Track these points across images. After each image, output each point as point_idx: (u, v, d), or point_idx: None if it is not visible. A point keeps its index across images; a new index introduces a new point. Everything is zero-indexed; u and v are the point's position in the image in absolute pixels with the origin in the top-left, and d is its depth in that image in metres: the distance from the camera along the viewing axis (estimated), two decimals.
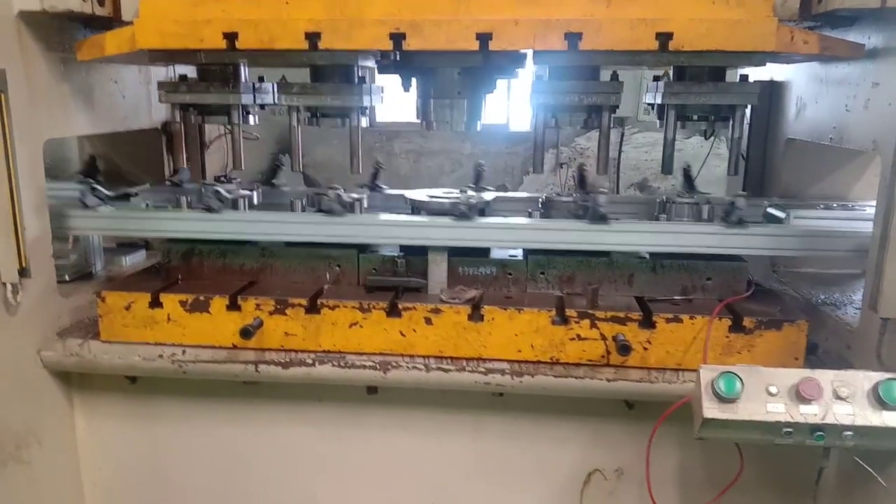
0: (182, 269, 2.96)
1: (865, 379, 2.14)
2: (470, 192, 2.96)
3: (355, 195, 2.88)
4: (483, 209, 2.95)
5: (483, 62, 2.74)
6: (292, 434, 2.90)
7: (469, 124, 2.95)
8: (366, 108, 2.92)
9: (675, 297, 2.71)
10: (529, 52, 2.72)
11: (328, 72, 2.89)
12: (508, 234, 2.74)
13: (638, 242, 2.69)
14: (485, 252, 2.85)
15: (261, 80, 3.17)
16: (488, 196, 3.03)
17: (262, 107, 3.13)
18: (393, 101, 3.35)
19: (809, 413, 2.11)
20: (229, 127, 3.06)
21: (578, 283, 2.77)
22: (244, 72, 3.06)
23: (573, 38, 2.45)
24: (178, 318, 2.75)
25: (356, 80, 2.84)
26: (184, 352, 2.74)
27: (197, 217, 2.82)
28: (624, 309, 2.60)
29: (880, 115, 2.37)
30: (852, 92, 2.61)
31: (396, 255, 2.80)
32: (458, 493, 2.88)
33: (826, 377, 2.15)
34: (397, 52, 2.62)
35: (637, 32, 2.43)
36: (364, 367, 2.62)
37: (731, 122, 2.70)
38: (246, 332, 2.60)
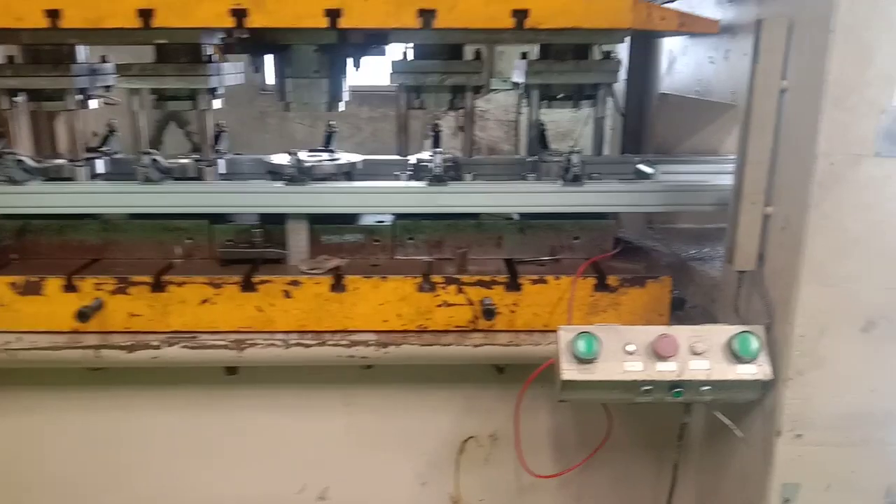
0: (17, 248, 2.68)
1: (721, 333, 2.13)
2: (335, 155, 2.80)
3: (185, 160, 2.66)
4: (348, 172, 2.80)
5: (339, 40, 2.57)
6: (149, 420, 2.70)
7: (331, 104, 2.78)
8: (215, 89, 2.70)
9: (543, 258, 2.65)
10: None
11: (172, 51, 2.65)
12: (346, 199, 2.58)
13: (473, 204, 2.59)
14: (351, 218, 2.69)
15: (103, 59, 2.89)
16: (353, 158, 2.87)
17: (107, 87, 2.86)
18: None
19: (667, 370, 2.08)
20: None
21: (447, 247, 2.66)
22: (83, 52, 2.78)
23: (427, 15, 2.32)
24: (9, 303, 2.48)
25: (203, 59, 2.61)
26: (19, 339, 2.49)
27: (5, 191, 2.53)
28: (493, 272, 2.51)
29: (738, 66, 2.34)
30: (714, 44, 2.57)
31: (253, 224, 2.61)
32: (332, 469, 2.77)
33: (683, 333, 2.13)
34: (243, 30, 2.41)
35: (492, 9, 2.32)
36: (217, 346, 2.44)
37: (595, 100, 2.65)
38: (82, 315, 2.37)
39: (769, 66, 1.99)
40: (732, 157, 2.96)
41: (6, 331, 2.48)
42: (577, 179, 2.51)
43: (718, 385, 2.09)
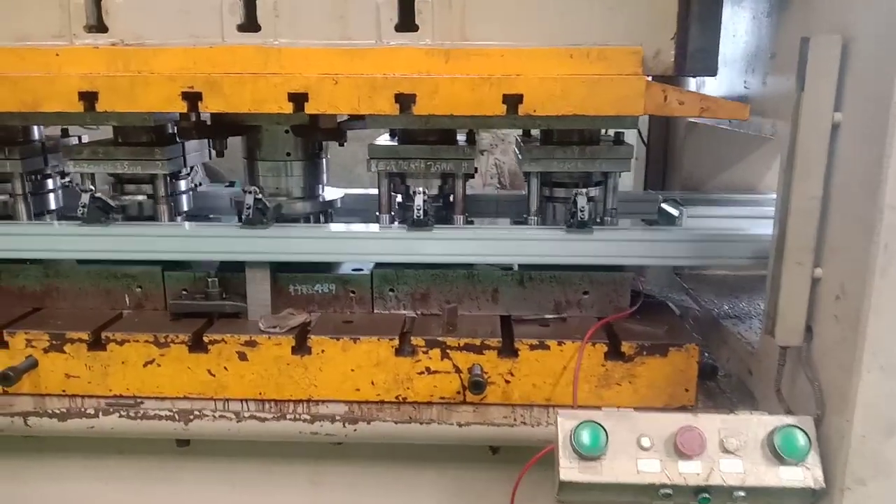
0: None
1: (759, 425, 1.71)
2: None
3: (140, 196, 2.37)
4: (324, 212, 2.46)
5: (311, 121, 2.24)
6: (88, 492, 2.35)
7: (309, 192, 2.45)
8: (178, 172, 2.40)
9: (547, 317, 2.25)
10: None
11: (131, 130, 2.36)
12: (310, 245, 2.22)
13: (459, 252, 2.21)
14: (323, 266, 2.33)
15: (64, 133, 2.60)
16: (333, 195, 2.53)
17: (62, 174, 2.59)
18: None
19: (690, 472, 1.67)
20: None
21: (434, 301, 2.29)
22: (36, 131, 2.51)
23: (405, 100, 1.98)
24: None
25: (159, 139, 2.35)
26: None
27: None
28: (486, 332, 2.13)
29: (779, 92, 1.94)
30: (750, 65, 2.17)
31: (209, 272, 2.26)
32: None
33: (712, 424, 1.71)
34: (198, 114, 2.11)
35: (480, 94, 1.97)
36: (160, 417, 2.09)
37: (604, 189, 2.30)
38: (5, 378, 2.05)
39: (819, 95, 1.59)
40: (773, 195, 2.57)
41: None
42: (583, 226, 2.11)
43: (756, 492, 1.67)
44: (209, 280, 2.23)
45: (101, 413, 2.11)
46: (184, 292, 2.30)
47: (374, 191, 2.69)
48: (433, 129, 2.28)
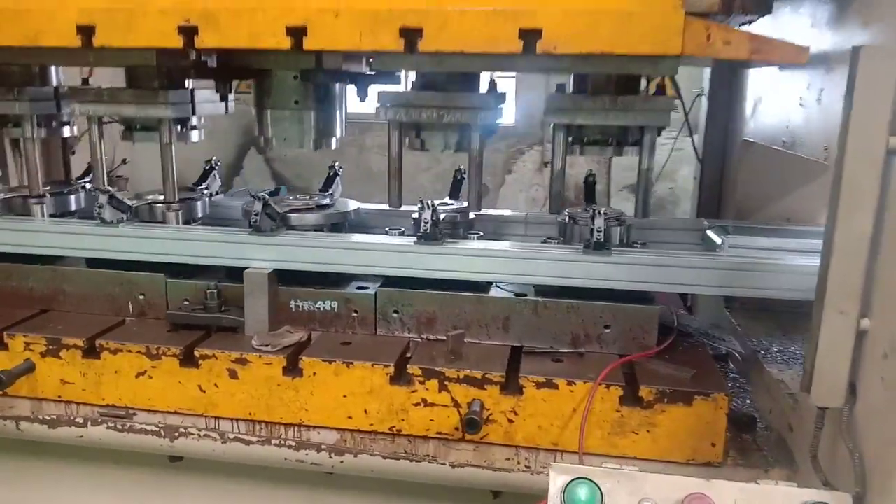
0: None
1: (785, 499, 1.45)
2: (324, 201, 2.35)
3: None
4: (337, 224, 2.35)
5: (317, 64, 2.12)
6: (92, 499, 2.30)
7: (319, 141, 2.33)
8: (186, 120, 2.32)
9: (562, 350, 2.04)
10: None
11: (143, 75, 2.30)
12: (308, 254, 2.11)
13: (462, 269, 2.03)
14: (326, 281, 2.20)
15: (85, 82, 2.59)
16: (349, 206, 2.41)
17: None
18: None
19: None
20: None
21: (440, 325, 2.12)
22: (56, 72, 2.49)
23: (411, 35, 1.81)
24: None
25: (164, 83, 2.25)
26: None
27: None
28: (493, 363, 1.95)
29: (835, 111, 1.68)
30: (807, 81, 1.91)
31: (211, 283, 2.17)
32: None
33: (727, 493, 1.47)
34: (196, 51, 2.01)
35: (494, 29, 1.78)
36: (147, 431, 2.01)
37: (640, 148, 2.04)
38: None
39: (869, 115, 1.34)
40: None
41: None
42: (600, 247, 1.90)
43: None
44: (208, 291, 2.14)
45: (90, 423, 2.05)
46: (185, 302, 2.22)
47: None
48: (451, 75, 2.09)
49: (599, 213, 1.91)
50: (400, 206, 2.21)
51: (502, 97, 2.16)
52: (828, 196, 2.12)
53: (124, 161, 3.57)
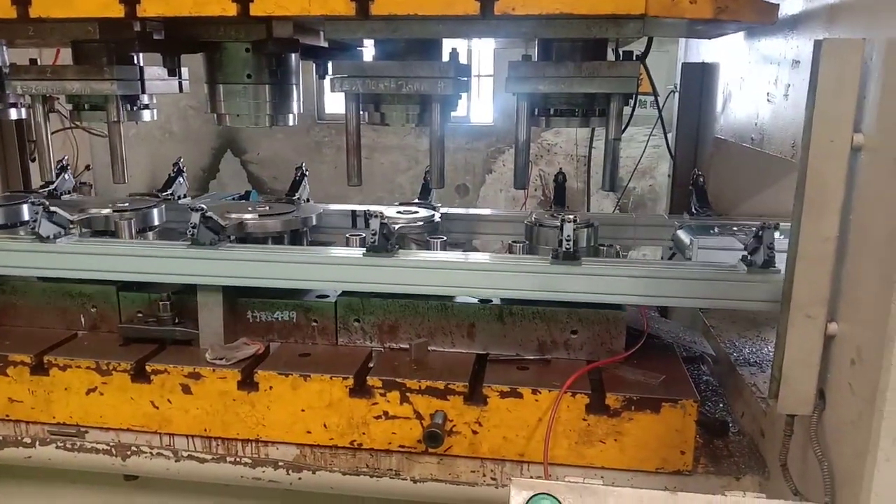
0: None
1: None
2: (284, 208, 2.26)
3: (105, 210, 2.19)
4: (297, 230, 2.27)
5: (268, 34, 2.01)
6: None
7: (276, 117, 2.24)
8: (135, 97, 2.23)
9: (528, 357, 1.98)
10: None
11: (91, 51, 2.20)
12: (255, 269, 1.99)
13: (416, 282, 1.93)
14: (284, 291, 2.12)
15: (33, 62, 2.49)
16: (308, 212, 2.32)
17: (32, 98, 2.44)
18: None
19: None
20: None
21: (403, 334, 2.05)
22: (0, 51, 2.39)
23: None
24: None
25: (113, 59, 2.14)
26: None
27: None
28: (456, 373, 1.88)
29: (802, 108, 1.62)
30: (774, 76, 1.86)
31: (163, 295, 2.08)
32: None
33: None
34: (138, 20, 1.91)
35: None
36: (97, 451, 1.93)
37: (606, 118, 1.96)
38: None
39: (833, 111, 1.28)
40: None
41: None
42: (570, 257, 1.84)
43: None
44: (161, 303, 2.06)
45: (38, 443, 1.97)
46: (139, 314, 2.13)
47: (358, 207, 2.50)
48: (409, 44, 2.00)
49: (568, 219, 1.84)
50: (360, 184, 2.10)
51: (465, 68, 2.06)
52: None
53: (87, 167, 3.47)
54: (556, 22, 1.78)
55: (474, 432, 1.84)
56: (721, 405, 2.12)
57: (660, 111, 3.11)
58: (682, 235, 2.21)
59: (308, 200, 2.61)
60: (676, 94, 3.18)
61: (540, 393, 1.80)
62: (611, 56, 2.07)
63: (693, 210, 2.50)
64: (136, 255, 2.00)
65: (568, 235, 1.85)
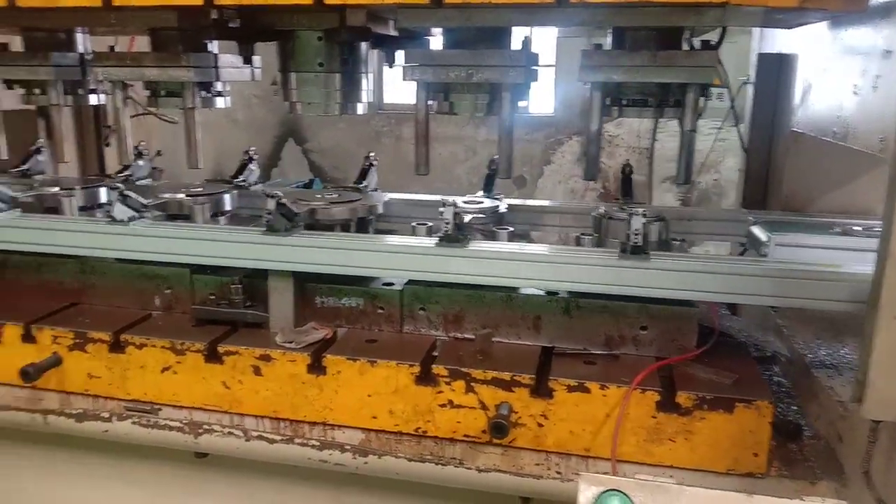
0: None
1: None
2: (350, 196, 2.29)
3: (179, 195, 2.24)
4: (363, 219, 2.29)
5: (340, 23, 2.03)
6: (119, 493, 2.30)
7: (345, 106, 2.26)
8: (209, 84, 2.28)
9: (595, 352, 1.96)
10: None
11: (168, 39, 2.27)
12: (325, 256, 2.01)
13: (488, 273, 1.92)
14: (351, 278, 2.14)
15: (112, 49, 2.58)
16: (374, 200, 2.35)
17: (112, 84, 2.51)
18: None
19: None
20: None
21: (468, 324, 2.05)
22: (83, 40, 2.47)
23: None
24: None
25: (189, 47, 2.20)
26: None
27: None
28: (521, 365, 1.87)
29: (892, 101, 1.55)
30: (861, 67, 1.78)
31: (236, 278, 2.13)
32: None
33: None
34: (217, 10, 1.95)
35: None
36: (171, 427, 1.99)
37: (681, 109, 1.91)
38: (25, 374, 2.02)
39: None
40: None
41: None
42: (637, 251, 1.81)
43: None
44: (233, 286, 2.11)
45: (115, 418, 2.04)
46: (211, 297, 2.19)
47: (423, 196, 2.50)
48: (480, 32, 1.99)
49: (637, 212, 1.80)
50: (427, 173, 2.11)
51: (535, 57, 2.03)
52: (882, 191, 1.98)
53: (158, 153, 3.57)
54: (633, 9, 1.75)
55: (539, 425, 1.83)
56: (794, 407, 2.05)
57: (732, 103, 3.03)
58: (758, 231, 2.14)
59: (376, 189, 2.63)
60: (749, 86, 3.09)
61: (608, 388, 1.78)
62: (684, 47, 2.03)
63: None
64: (213, 239, 2.05)
65: (636, 229, 1.81)
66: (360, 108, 2.30)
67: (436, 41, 2.41)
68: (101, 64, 2.23)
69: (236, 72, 2.38)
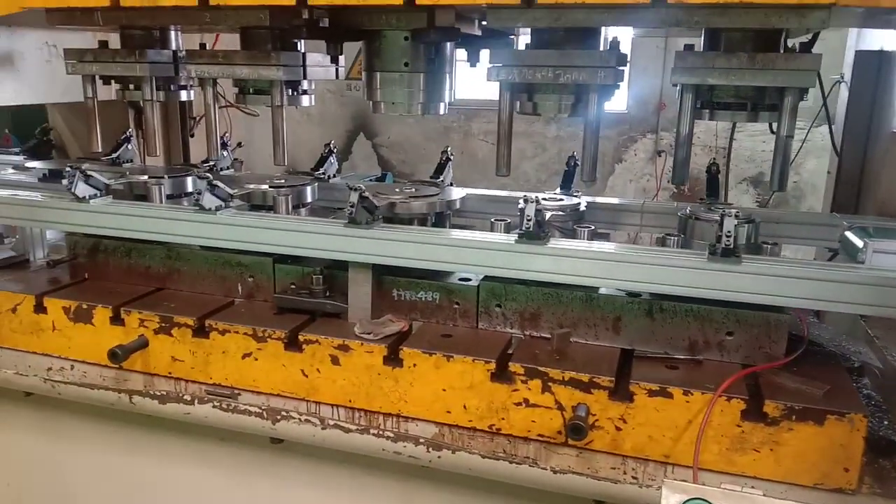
0: (89, 267, 2.50)
1: None
2: (427, 191, 2.30)
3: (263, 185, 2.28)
4: (441, 213, 2.30)
5: (429, 24, 2.04)
6: (197, 474, 2.38)
7: (427, 106, 2.26)
8: (297, 83, 2.32)
9: (677, 357, 1.90)
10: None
11: (257, 37, 2.32)
12: (403, 249, 2.02)
13: (570, 272, 1.88)
14: (428, 272, 2.14)
15: (202, 46, 2.67)
16: (453, 195, 2.34)
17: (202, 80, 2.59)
18: (472, 74, 2.58)
19: None
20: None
21: (545, 323, 2.03)
22: (176, 37, 2.56)
23: None
24: (62, 328, 2.30)
25: (278, 45, 2.25)
26: (70, 367, 2.30)
27: (65, 206, 2.32)
28: (600, 367, 1.84)
29: None
30: None
31: (317, 268, 2.17)
32: None
33: None
34: (308, 9, 1.99)
35: None
36: (250, 413, 2.04)
37: (778, 113, 1.84)
38: (113, 356, 2.10)
39: None
40: None
41: (61, 356, 2.31)
42: (728, 254, 1.75)
43: None
44: (314, 277, 2.14)
45: (197, 401, 2.11)
46: (291, 286, 2.23)
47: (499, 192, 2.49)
48: (568, 33, 1.97)
49: (730, 213, 1.74)
50: (507, 174, 2.10)
51: (624, 57, 1.99)
52: None
53: (239, 144, 3.66)
54: (732, 10, 1.69)
55: (618, 429, 1.80)
56: (886, 422, 1.96)
57: (825, 102, 2.90)
58: (853, 237, 2.04)
59: (452, 184, 2.63)
60: (842, 84, 2.96)
61: (692, 394, 1.73)
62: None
63: None
64: (298, 230, 2.09)
65: (729, 231, 1.75)
66: (442, 108, 2.31)
67: (519, 40, 2.40)
68: (194, 62, 2.30)
69: (322, 70, 2.42)
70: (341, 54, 2.34)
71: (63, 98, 2.84)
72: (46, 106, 3.35)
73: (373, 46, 2.22)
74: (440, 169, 2.63)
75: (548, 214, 2.04)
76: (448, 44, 2.25)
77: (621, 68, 1.97)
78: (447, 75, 2.28)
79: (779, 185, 1.87)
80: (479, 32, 2.27)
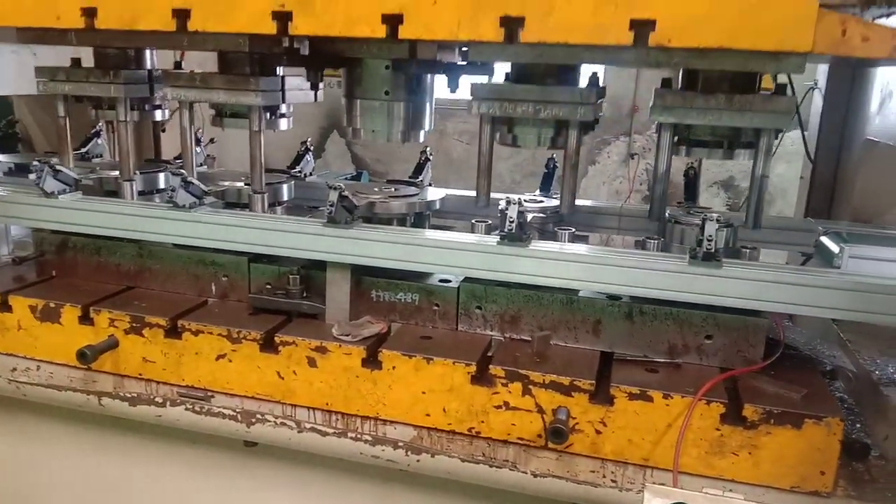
0: (57, 264, 2.43)
1: None
2: (406, 191, 2.27)
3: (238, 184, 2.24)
4: (420, 213, 2.27)
5: (411, 54, 2.03)
6: (168, 476, 2.32)
7: (407, 134, 2.25)
8: (276, 107, 2.29)
9: (657, 360, 1.91)
10: None
11: (235, 61, 2.28)
12: (384, 250, 2.00)
13: (550, 274, 1.88)
14: (408, 273, 2.12)
15: (177, 65, 2.61)
16: (432, 195, 2.32)
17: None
18: None
19: None
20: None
21: (525, 325, 2.02)
22: (151, 56, 2.51)
23: (512, 24, 1.72)
24: (28, 327, 2.23)
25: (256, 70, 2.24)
26: (36, 368, 2.23)
27: (33, 202, 2.26)
28: (580, 370, 1.83)
29: None
30: None
31: (293, 268, 2.13)
32: None
33: None
34: (288, 37, 1.96)
35: (603, 19, 1.66)
36: (224, 415, 2.00)
37: (754, 152, 1.88)
38: (82, 356, 2.04)
39: None
40: None
41: (28, 357, 2.24)
42: (709, 258, 1.75)
43: None
44: (290, 277, 2.11)
45: (169, 403, 2.06)
46: (267, 286, 2.19)
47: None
48: (548, 68, 1.99)
49: (711, 217, 1.75)
50: (487, 206, 2.12)
51: (603, 91, 2.03)
52: None
53: (212, 140, 3.59)
54: (711, 54, 1.70)
55: (598, 432, 1.79)
56: (858, 425, 1.98)
57: (797, 109, 2.94)
58: (828, 242, 2.06)
59: (431, 184, 2.61)
60: (815, 91, 3.01)
61: (672, 398, 1.73)
62: None
63: None
64: (275, 229, 2.04)
65: (710, 235, 1.76)
66: (422, 136, 2.30)
67: (499, 68, 2.40)
68: (171, 84, 2.26)
69: (301, 94, 2.40)
70: (321, 81, 2.31)
71: (32, 90, 2.75)
72: (12, 98, 3.25)
73: (354, 74, 2.22)
74: (419, 169, 2.61)
75: (528, 216, 2.03)
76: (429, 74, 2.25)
77: (601, 102, 2.01)
78: (427, 103, 2.28)
79: (754, 222, 1.91)
80: (460, 61, 2.26)
